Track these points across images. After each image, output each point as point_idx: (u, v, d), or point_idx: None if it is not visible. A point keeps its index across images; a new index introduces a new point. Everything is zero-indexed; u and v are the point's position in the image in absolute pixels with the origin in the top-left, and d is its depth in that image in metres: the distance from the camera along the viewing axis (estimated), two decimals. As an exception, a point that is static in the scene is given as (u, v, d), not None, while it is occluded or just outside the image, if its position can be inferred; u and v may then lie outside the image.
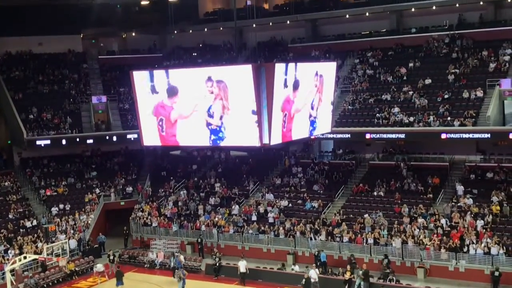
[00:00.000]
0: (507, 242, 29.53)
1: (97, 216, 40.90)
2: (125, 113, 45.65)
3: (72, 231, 38.21)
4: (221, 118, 15.88)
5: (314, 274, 29.54)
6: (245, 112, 15.52)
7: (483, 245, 29.68)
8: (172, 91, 16.51)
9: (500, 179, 34.46)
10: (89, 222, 39.85)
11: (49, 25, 46.06)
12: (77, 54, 50.95)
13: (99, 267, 33.30)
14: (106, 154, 47.45)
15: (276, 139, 15.92)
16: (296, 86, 16.13)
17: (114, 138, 44.18)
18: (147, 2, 46.83)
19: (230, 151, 39.57)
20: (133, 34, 53.64)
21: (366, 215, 34.10)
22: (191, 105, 16.25)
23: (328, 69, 18.65)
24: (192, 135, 16.63)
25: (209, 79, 15.73)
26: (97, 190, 43.30)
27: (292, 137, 16.76)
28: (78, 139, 43.74)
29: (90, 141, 44.06)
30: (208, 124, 16.11)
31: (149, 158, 47.30)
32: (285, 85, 15.82)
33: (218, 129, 16.00)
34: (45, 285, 32.21)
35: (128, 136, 43.35)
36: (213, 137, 16.18)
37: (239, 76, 15.41)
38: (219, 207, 39.28)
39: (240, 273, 31.30)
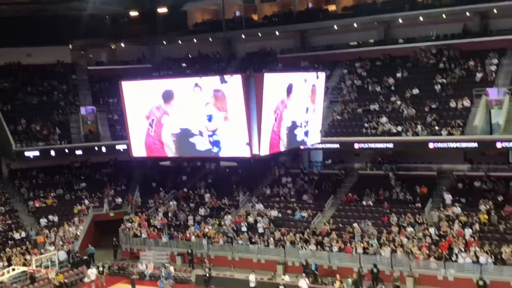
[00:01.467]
0: (495, 251, 29.74)
1: (86, 227, 40.73)
2: (114, 124, 45.63)
3: (61, 243, 38.02)
4: (216, 129, 15.89)
5: (304, 284, 29.62)
6: (235, 123, 15.57)
7: (471, 254, 29.88)
8: (167, 96, 16.47)
9: (488, 188, 34.75)
10: (78, 233, 39.67)
11: (38, 36, 46.07)
12: (66, 65, 50.97)
13: (90, 274, 33.15)
14: (95, 165, 47.33)
15: (266, 149, 15.93)
16: (289, 90, 16.15)
17: (103, 149, 44.14)
18: (136, 13, 46.96)
19: (220, 162, 39.53)
20: (122, 45, 53.72)
21: (355, 225, 34.24)
22: (187, 115, 16.23)
23: (319, 79, 18.78)
24: (189, 146, 16.59)
25: (196, 85, 15.78)
26: (86, 202, 43.14)
27: (280, 148, 16.73)
28: (67, 150, 43.65)
29: (79, 152, 43.99)
30: (209, 136, 16.08)
31: (138, 169, 47.23)
32: (279, 91, 15.84)
33: (218, 140, 15.97)
34: (34, 297, 32.03)
35: (117, 147, 43.30)
36: (215, 149, 16.16)
37: (228, 86, 15.49)
38: (209, 218, 39.28)
39: None
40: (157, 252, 37.61)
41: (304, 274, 31.08)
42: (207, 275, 33.06)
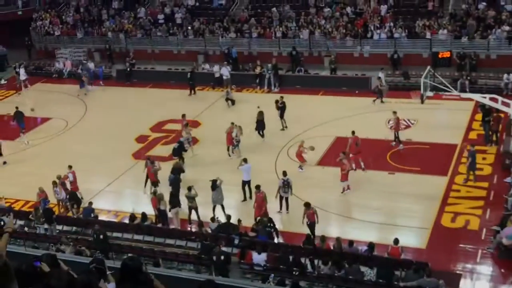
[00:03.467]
0: (409, 25, 30.55)
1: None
2: None
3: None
4: None
5: (225, 71, 29.98)
6: None
7: (386, 29, 30.60)
8: None
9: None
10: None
11: None
12: None
13: (22, 74, 32.30)
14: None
15: None
16: None
17: None
18: None
19: None
20: None
21: (273, 9, 33.86)
22: None
23: None
24: None
25: None
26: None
27: None
28: None
29: None
30: None
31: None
32: None
33: None
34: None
35: None
36: None
37: None
38: (123, 11, 37.74)
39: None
40: (73, 49, 36.46)
41: (225, 62, 31.17)
42: (128, 69, 32.76)
